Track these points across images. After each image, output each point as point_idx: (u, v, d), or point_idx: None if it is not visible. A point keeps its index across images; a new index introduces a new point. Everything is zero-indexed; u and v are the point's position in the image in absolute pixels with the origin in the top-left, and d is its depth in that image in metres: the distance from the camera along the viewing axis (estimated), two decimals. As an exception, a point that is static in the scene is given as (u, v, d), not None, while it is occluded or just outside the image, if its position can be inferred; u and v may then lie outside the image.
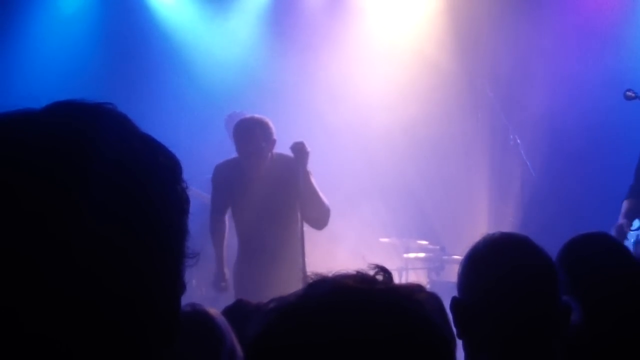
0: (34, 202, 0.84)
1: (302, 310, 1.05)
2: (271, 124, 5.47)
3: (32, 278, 0.84)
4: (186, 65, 8.59)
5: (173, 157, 0.96)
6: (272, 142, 5.45)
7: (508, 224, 7.39)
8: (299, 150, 5.33)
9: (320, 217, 5.54)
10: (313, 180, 5.49)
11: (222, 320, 2.31)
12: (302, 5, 8.62)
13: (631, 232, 5.50)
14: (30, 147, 0.87)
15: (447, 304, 2.36)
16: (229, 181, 5.58)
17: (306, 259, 5.47)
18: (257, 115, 5.53)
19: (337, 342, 1.00)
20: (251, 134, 5.38)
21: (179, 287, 0.95)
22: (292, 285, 5.20)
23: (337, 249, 7.33)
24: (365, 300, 1.04)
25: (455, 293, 2.17)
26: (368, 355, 1.00)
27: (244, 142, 5.41)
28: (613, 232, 5.37)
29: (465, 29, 8.05)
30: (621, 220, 5.46)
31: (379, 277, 1.09)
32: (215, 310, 2.38)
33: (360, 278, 1.08)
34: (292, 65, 8.28)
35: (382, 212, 8.04)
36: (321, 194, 5.51)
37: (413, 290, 1.09)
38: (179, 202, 0.95)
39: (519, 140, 7.37)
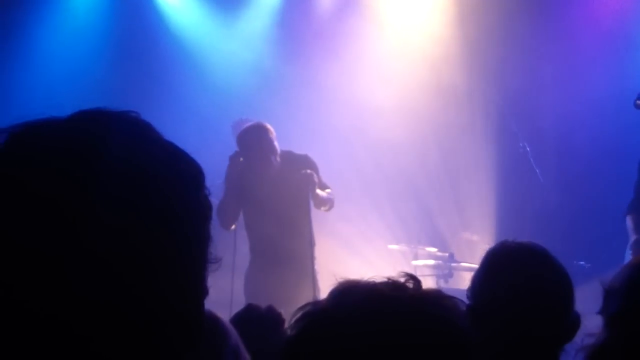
0: (50, 199, 0.86)
1: (336, 316, 1.07)
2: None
3: (52, 270, 0.85)
4: (196, 68, 8.59)
5: (196, 165, 0.98)
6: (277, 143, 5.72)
7: (517, 232, 7.37)
8: (308, 180, 5.57)
9: (329, 208, 5.89)
10: (320, 192, 5.71)
11: (225, 321, 2.33)
12: (314, 10, 8.63)
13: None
14: (51, 150, 0.89)
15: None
16: (243, 176, 5.70)
17: (316, 267, 5.58)
18: (259, 121, 5.78)
19: (371, 348, 1.02)
20: (265, 133, 5.61)
21: (202, 291, 0.96)
22: (302, 288, 5.32)
23: (347, 256, 7.34)
24: (398, 307, 1.06)
25: (463, 300, 2.16)
26: None
27: (260, 142, 5.59)
28: (631, 249, 5.34)
29: (474, 38, 8.04)
30: (636, 235, 5.39)
31: (409, 285, 1.11)
32: (213, 312, 2.40)
33: (392, 285, 1.10)
34: (302, 69, 8.29)
35: (391, 219, 8.03)
36: (328, 198, 5.78)
37: (442, 297, 1.11)
38: (201, 208, 0.96)
39: (528, 148, 7.35)
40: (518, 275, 2.05)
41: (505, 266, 2.08)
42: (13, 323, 0.84)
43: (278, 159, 5.63)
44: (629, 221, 5.50)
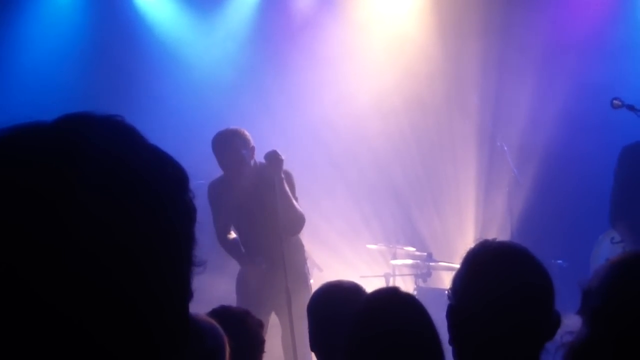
0: (37, 194, 0.86)
1: None
2: (247, 133, 5.60)
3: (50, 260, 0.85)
4: (173, 66, 8.53)
5: (181, 168, 0.99)
6: (252, 149, 5.58)
7: (495, 231, 7.41)
8: (273, 158, 5.45)
9: (291, 223, 5.56)
10: (287, 187, 5.55)
11: (206, 323, 2.31)
12: (293, 7, 8.61)
13: (615, 244, 5.47)
14: (38, 150, 0.89)
15: (434, 310, 2.36)
16: (222, 196, 5.68)
17: (307, 269, 5.67)
18: (232, 127, 5.65)
19: None
20: (230, 143, 5.51)
21: (187, 293, 0.96)
22: (298, 290, 5.30)
23: (326, 255, 7.35)
24: None
25: (441, 299, 2.17)
26: None
27: (225, 152, 5.52)
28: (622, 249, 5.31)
29: (453, 37, 8.08)
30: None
31: None
32: (204, 316, 2.39)
33: None
34: (282, 69, 8.28)
35: (370, 219, 8.05)
36: (294, 200, 5.60)
37: None
38: (188, 211, 0.97)
39: (506, 147, 7.40)
40: (500, 275, 2.06)
41: (486, 266, 2.08)
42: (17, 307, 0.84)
43: (248, 164, 5.54)
44: (620, 230, 5.43)
